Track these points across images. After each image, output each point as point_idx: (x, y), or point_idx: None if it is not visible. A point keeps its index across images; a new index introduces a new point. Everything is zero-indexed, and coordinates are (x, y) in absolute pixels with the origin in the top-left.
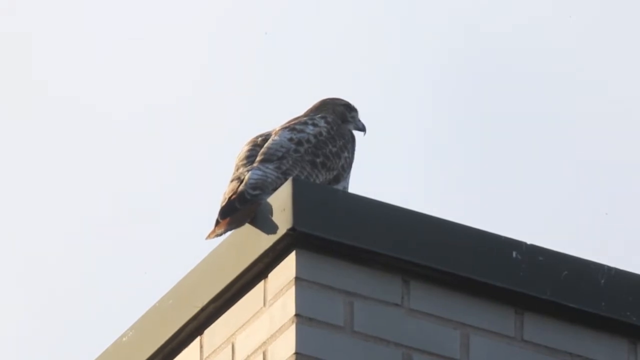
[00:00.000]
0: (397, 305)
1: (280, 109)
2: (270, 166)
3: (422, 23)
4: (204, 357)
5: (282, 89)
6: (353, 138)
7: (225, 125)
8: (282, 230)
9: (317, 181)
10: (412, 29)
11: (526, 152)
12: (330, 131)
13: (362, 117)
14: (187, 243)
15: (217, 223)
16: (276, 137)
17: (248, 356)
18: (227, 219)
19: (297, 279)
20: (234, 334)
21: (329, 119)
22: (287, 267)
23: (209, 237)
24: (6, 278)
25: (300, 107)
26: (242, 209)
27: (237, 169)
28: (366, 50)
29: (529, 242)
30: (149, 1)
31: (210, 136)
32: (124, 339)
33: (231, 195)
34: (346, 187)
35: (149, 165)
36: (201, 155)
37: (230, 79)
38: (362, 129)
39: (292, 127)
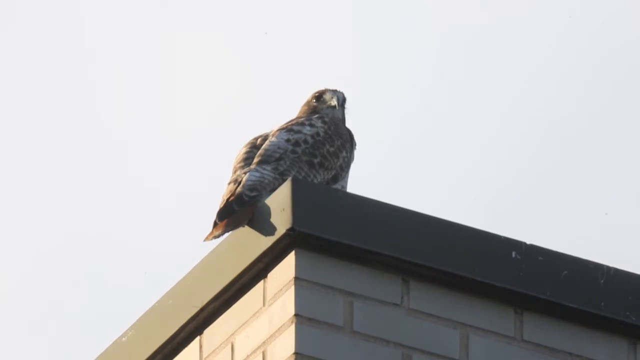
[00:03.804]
0: (396, 305)
1: (279, 109)
2: (268, 167)
3: (421, 23)
4: (204, 357)
5: (282, 89)
6: (351, 137)
7: (224, 125)
8: (281, 230)
9: (315, 181)
10: (412, 29)
11: (526, 152)
12: (327, 131)
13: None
14: (187, 243)
15: (215, 225)
16: (273, 139)
17: (247, 356)
18: (225, 221)
19: (297, 279)
20: (233, 333)
21: (326, 119)
22: (287, 267)
23: (207, 239)
24: (7, 278)
25: (298, 107)
26: (239, 210)
27: (235, 171)
28: (366, 50)
29: (528, 242)
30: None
31: (210, 136)
32: (123, 338)
33: (229, 197)
34: (344, 187)
35: (148, 165)
36: (200, 155)
37: (229, 79)
38: (333, 106)
39: (289, 128)
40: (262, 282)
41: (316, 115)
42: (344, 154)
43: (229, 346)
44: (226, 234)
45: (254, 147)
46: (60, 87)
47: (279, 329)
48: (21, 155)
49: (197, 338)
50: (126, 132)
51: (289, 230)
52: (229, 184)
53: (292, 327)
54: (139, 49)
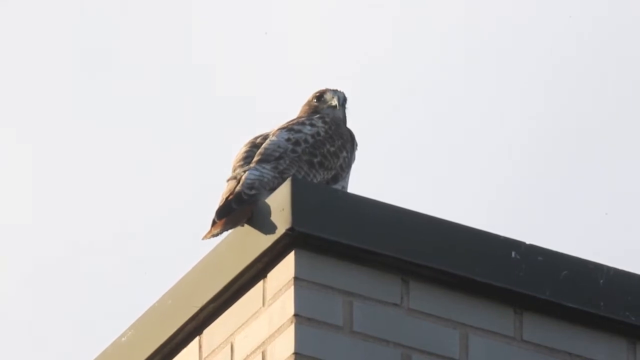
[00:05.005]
0: (396, 305)
1: (280, 109)
2: (267, 166)
3: (422, 23)
4: (203, 357)
5: (282, 89)
6: (352, 138)
7: (225, 125)
8: (281, 230)
9: (315, 181)
10: (413, 28)
11: (525, 152)
12: (328, 131)
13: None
14: (187, 243)
15: (214, 223)
16: (274, 138)
17: (247, 356)
18: (224, 220)
19: (296, 278)
20: (233, 334)
21: (327, 119)
22: (286, 267)
23: (205, 237)
24: (6, 277)
25: (299, 107)
26: (238, 209)
27: (234, 170)
28: (367, 50)
29: (528, 242)
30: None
31: (209, 136)
32: (123, 338)
33: (228, 196)
34: (345, 187)
35: (148, 165)
36: (200, 155)
37: (229, 79)
38: (334, 106)
39: (289, 127)
40: (261, 282)
41: (317, 115)
42: (345, 154)
43: (229, 346)
44: (225, 233)
45: (254, 146)
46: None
47: (278, 329)
48: (21, 157)
49: (197, 338)
50: (123, 137)
51: (288, 230)
52: (228, 182)
53: (292, 327)
54: (133, 54)
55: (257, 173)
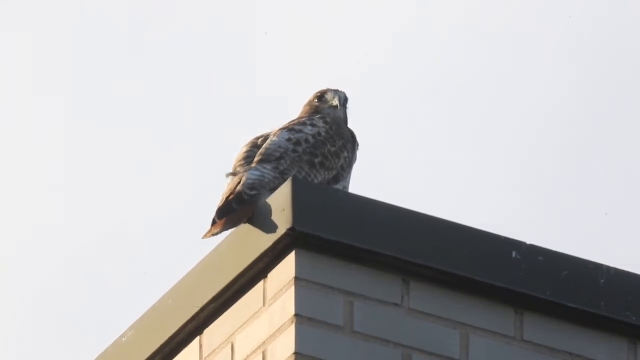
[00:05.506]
0: (397, 305)
1: (280, 109)
2: (268, 166)
3: (423, 22)
4: (204, 357)
5: (282, 89)
6: (354, 138)
7: (224, 125)
8: (281, 230)
9: (316, 181)
10: (413, 27)
11: (525, 152)
12: (329, 131)
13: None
14: (187, 243)
15: (214, 223)
16: (275, 138)
17: (248, 356)
18: (224, 219)
19: (297, 279)
20: (233, 334)
21: (328, 119)
22: (287, 267)
23: (205, 236)
24: (7, 278)
25: (300, 107)
26: (239, 209)
27: (235, 170)
28: (368, 49)
29: (528, 242)
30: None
31: (209, 136)
32: (123, 339)
33: (229, 196)
34: (346, 187)
35: (148, 165)
36: (200, 155)
37: (229, 79)
38: (335, 106)
39: (291, 127)
40: (262, 282)
41: (318, 116)
42: (346, 154)
43: (229, 346)
44: (225, 233)
45: (254, 146)
46: None
47: (279, 329)
48: (22, 157)
49: (197, 338)
50: (123, 137)
51: (289, 230)
52: (228, 178)
53: (292, 327)
54: (132, 54)
55: (258, 173)
